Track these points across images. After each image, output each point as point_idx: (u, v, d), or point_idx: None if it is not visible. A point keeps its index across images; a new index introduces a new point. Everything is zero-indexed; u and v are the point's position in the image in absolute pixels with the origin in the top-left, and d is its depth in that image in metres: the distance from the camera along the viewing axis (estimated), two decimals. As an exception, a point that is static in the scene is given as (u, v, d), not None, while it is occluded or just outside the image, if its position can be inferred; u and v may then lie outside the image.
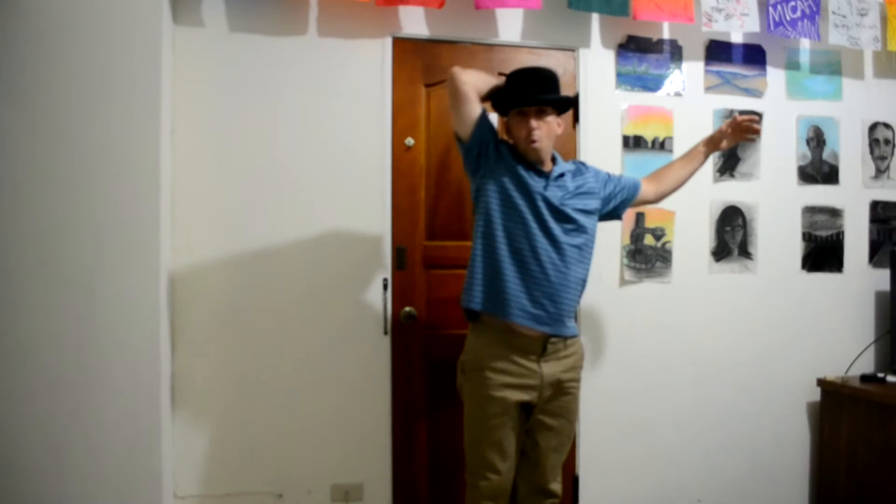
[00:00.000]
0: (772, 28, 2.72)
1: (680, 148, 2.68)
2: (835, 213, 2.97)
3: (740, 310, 2.86)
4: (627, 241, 2.74)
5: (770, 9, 2.71)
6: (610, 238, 2.71)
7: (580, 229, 2.02)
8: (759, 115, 2.81)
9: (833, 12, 2.79)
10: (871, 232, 3.03)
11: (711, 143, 2.32)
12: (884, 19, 2.89)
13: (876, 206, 3.03)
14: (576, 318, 2.15)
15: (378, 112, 2.53)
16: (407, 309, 2.55)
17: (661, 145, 2.77)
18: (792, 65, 2.93)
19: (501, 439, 1.98)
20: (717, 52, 2.84)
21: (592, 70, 2.71)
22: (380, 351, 2.53)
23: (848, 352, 2.96)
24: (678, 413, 2.80)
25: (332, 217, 2.49)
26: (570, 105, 2.11)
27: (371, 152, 2.52)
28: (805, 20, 2.77)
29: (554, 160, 2.09)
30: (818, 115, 2.95)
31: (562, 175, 2.05)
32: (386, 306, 2.52)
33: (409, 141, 2.56)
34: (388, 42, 2.54)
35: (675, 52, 2.80)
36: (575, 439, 2.67)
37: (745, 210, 2.86)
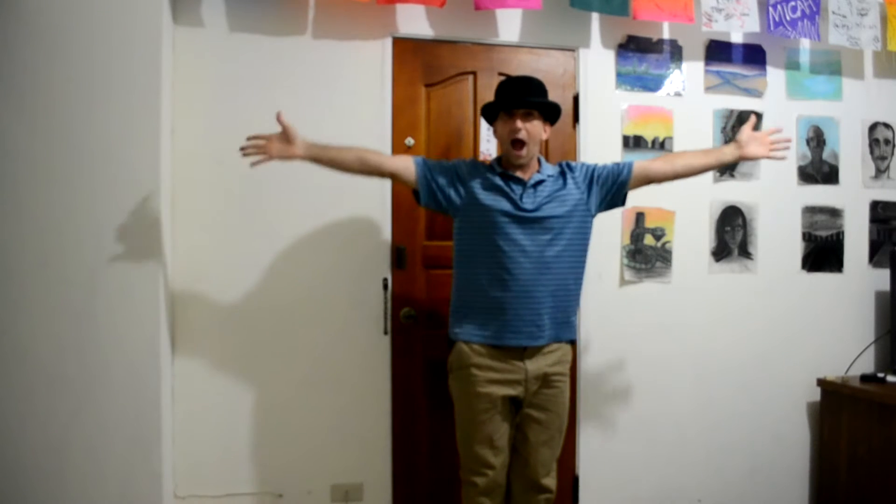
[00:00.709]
0: (772, 28, 2.72)
1: (680, 148, 2.68)
2: (835, 213, 2.97)
3: (740, 310, 2.86)
4: (627, 241, 2.74)
5: (770, 9, 2.71)
6: (610, 238, 2.71)
7: (559, 235, 2.02)
8: (759, 115, 2.81)
9: (833, 12, 2.79)
10: (871, 232, 3.02)
11: (738, 147, 2.19)
12: (884, 19, 2.88)
13: (876, 206, 3.03)
14: (576, 319, 2.15)
15: (378, 112, 2.53)
16: (406, 309, 2.55)
17: (661, 145, 2.76)
18: (792, 65, 2.93)
19: (491, 434, 2.01)
20: (717, 52, 2.84)
21: (592, 70, 2.71)
22: (379, 351, 2.53)
23: (848, 352, 2.96)
24: (678, 413, 2.79)
25: (331, 217, 2.49)
26: (557, 113, 2.11)
27: (371, 152, 2.53)
28: (805, 20, 2.77)
29: (540, 165, 2.10)
30: (818, 115, 2.95)
31: (541, 182, 2.05)
32: (386, 306, 2.52)
33: (409, 141, 2.56)
34: (388, 42, 2.54)
35: (675, 52, 2.80)
36: (575, 439, 2.67)
37: (745, 210, 2.86)
